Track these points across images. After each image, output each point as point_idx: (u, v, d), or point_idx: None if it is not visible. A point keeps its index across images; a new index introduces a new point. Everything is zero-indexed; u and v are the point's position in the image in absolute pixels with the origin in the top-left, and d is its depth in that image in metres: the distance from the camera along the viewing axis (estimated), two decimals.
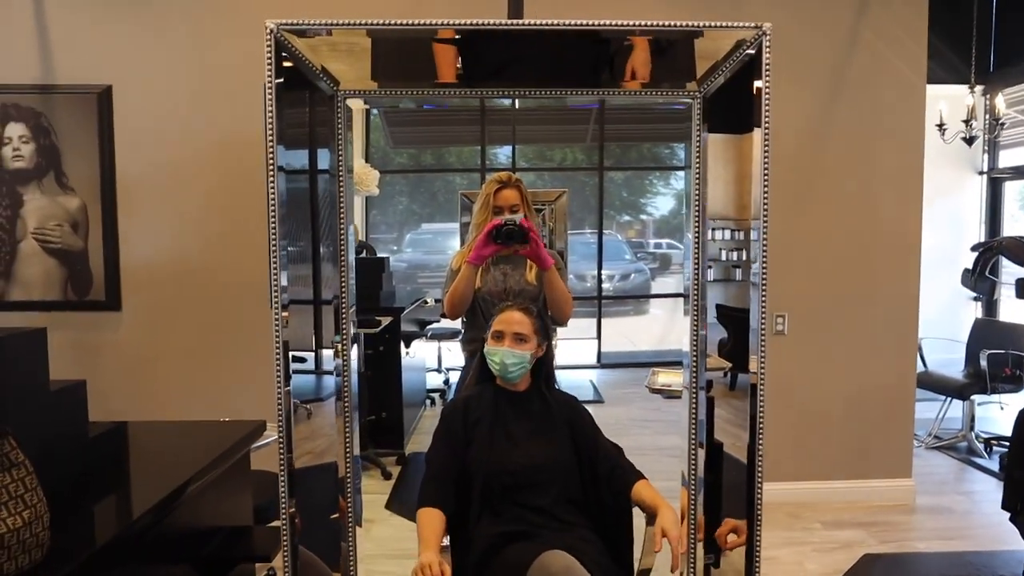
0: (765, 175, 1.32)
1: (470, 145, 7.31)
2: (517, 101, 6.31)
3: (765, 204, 1.33)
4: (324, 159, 1.53)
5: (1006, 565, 2.98)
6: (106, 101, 3.15)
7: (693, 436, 1.52)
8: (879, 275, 3.54)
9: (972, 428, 4.58)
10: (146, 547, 1.33)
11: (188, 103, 3.19)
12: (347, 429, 1.49)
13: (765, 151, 1.32)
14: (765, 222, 1.34)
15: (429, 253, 8.49)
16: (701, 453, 1.52)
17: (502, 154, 7.35)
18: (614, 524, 1.87)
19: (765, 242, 1.35)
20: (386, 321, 3.89)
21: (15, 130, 3.11)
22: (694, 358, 1.53)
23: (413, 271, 8.14)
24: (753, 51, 1.37)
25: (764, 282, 1.35)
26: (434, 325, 5.19)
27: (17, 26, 3.14)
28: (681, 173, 9.10)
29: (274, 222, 1.25)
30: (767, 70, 1.31)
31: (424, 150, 8.00)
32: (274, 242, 1.26)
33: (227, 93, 3.18)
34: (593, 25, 1.33)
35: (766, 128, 1.33)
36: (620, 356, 7.34)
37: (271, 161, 1.25)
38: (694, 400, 1.52)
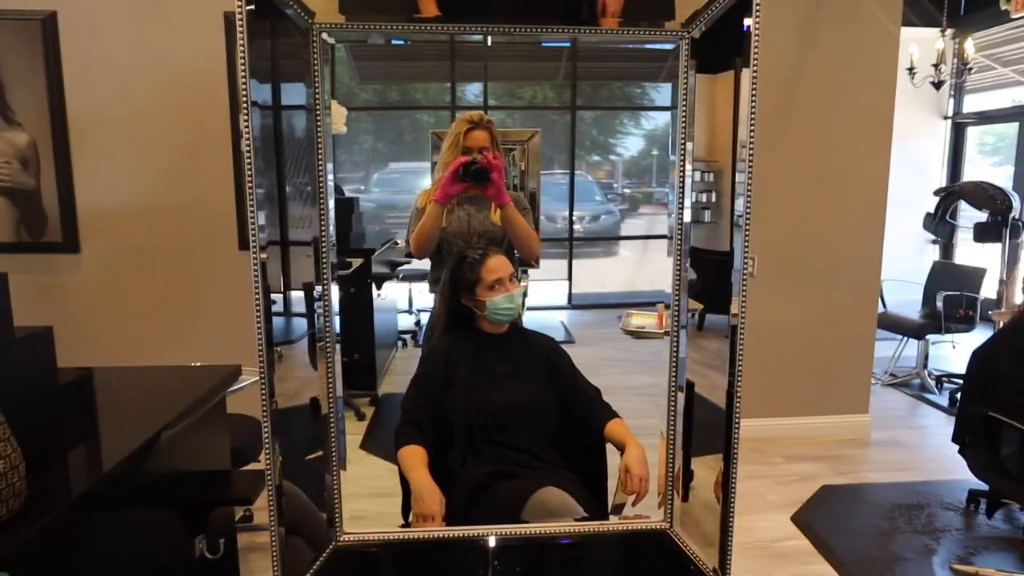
0: (752, 116, 1.31)
1: (439, 81, 7.12)
2: (490, 37, 6.16)
3: (751, 146, 1.32)
4: (291, 94, 1.47)
5: (951, 493, 3.13)
6: (51, 28, 2.95)
7: (674, 375, 1.54)
8: (845, 217, 3.59)
9: (925, 366, 4.76)
10: (124, 494, 1.32)
11: (142, 32, 3.02)
12: (329, 370, 1.48)
13: (753, 92, 1.30)
14: (751, 164, 1.33)
15: (397, 193, 8.36)
16: (681, 397, 1.54)
17: (471, 91, 7.18)
18: (590, 461, 1.91)
19: (751, 184, 1.34)
20: (357, 263, 3.84)
21: None
22: (676, 297, 1.53)
23: (381, 211, 8.03)
24: None
25: (748, 224, 1.35)
26: (405, 266, 5.15)
27: None
28: (652, 114, 9.04)
29: (250, 159, 1.19)
30: (758, 8, 1.29)
31: (390, 86, 7.78)
32: (250, 180, 1.20)
33: (183, 21, 3.02)
34: None
35: (755, 68, 1.31)
36: (590, 297, 7.40)
37: (245, 95, 1.19)
38: (675, 339, 1.53)
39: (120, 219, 3.14)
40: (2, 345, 1.28)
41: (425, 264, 2.51)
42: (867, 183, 3.57)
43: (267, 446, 1.34)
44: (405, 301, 5.92)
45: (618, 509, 1.80)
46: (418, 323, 5.88)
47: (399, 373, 4.64)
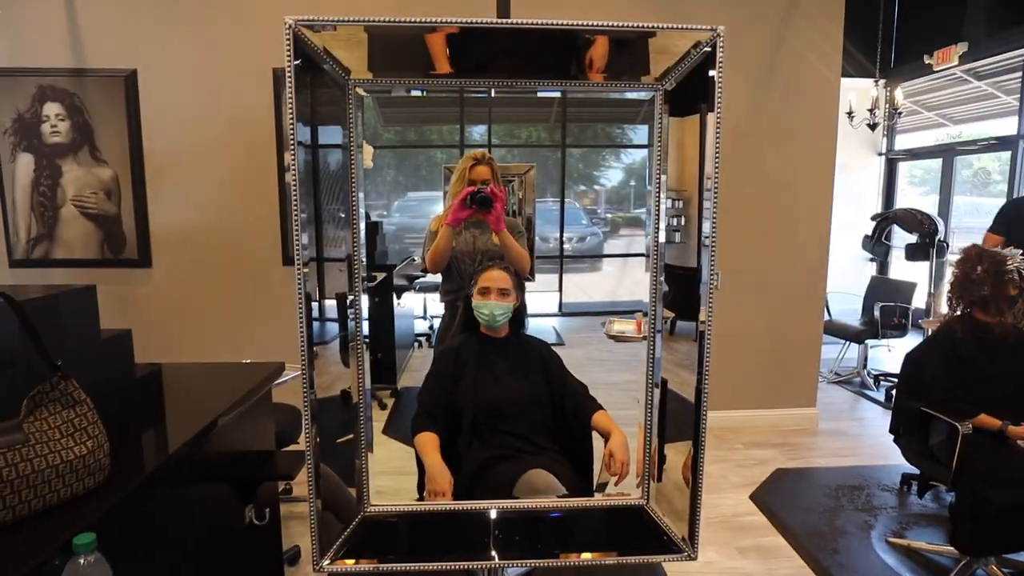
0: (717, 153, 1.33)
1: (450, 124, 7.16)
2: (493, 89, 6.16)
3: (716, 178, 1.34)
4: (327, 135, 1.49)
5: (887, 476, 3.12)
6: (132, 83, 3.03)
7: (651, 374, 1.54)
8: (796, 238, 3.60)
9: (865, 366, 4.75)
10: (188, 470, 1.34)
11: (205, 85, 3.09)
12: (359, 366, 1.49)
13: (717, 132, 1.33)
14: (715, 193, 1.35)
15: (414, 217, 8.34)
16: (656, 392, 1.55)
17: (477, 132, 7.20)
18: (578, 447, 1.92)
19: (715, 210, 1.36)
20: (381, 276, 3.86)
21: (52, 109, 2.99)
22: (653, 307, 1.54)
23: (401, 233, 8.00)
24: (709, 48, 1.37)
25: (713, 244, 1.37)
26: (421, 279, 5.15)
27: (50, 14, 2.99)
28: (631, 150, 9.05)
29: (295, 190, 1.22)
30: (720, 64, 1.32)
31: (409, 128, 7.82)
32: (295, 207, 1.23)
33: (238, 77, 3.09)
34: (570, 26, 1.31)
35: (719, 112, 1.33)
36: (578, 306, 7.35)
37: (292, 136, 1.22)
38: (652, 343, 1.54)
39: (185, 239, 3.18)
40: (91, 344, 1.30)
41: (437, 278, 2.54)
42: (814, 209, 3.58)
43: (306, 430, 1.36)
44: (420, 309, 5.91)
45: (602, 487, 1.81)
46: (431, 328, 5.86)
47: (415, 370, 4.62)
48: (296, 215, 1.27)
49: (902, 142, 6.69)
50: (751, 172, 3.50)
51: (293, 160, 1.25)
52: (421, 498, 1.84)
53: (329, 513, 1.50)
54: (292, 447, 2.17)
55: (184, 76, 3.07)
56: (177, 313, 3.21)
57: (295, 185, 1.26)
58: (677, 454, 1.59)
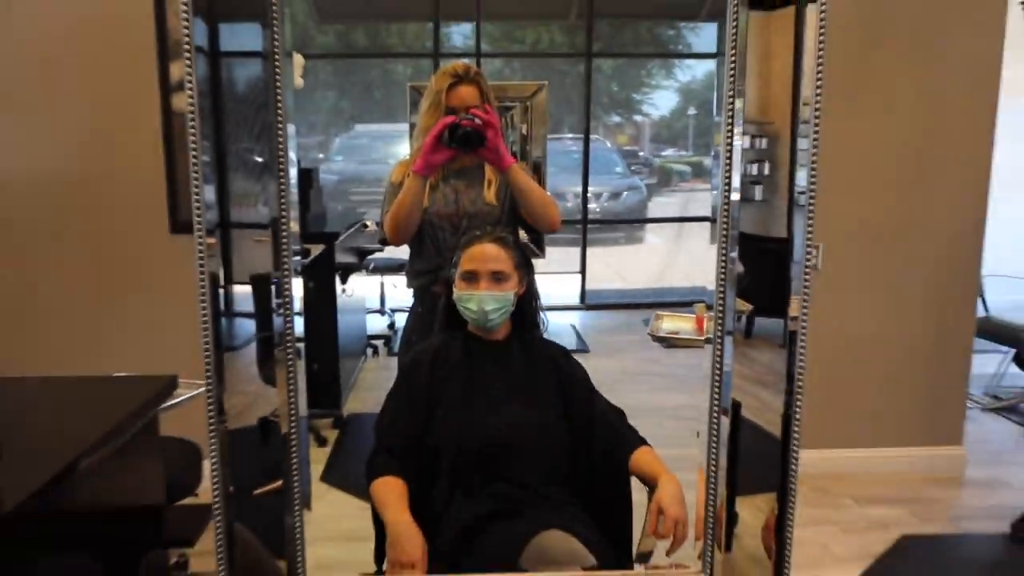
0: (820, 66, 1.33)
1: (418, 21, 7.14)
2: None
3: (818, 104, 1.34)
4: (236, 39, 1.48)
5: None
6: None
7: (717, 394, 1.55)
8: (937, 197, 3.56)
9: None
10: (34, 535, 1.34)
11: None
12: (291, 383, 1.49)
13: (822, 33, 1.32)
14: (817, 127, 1.35)
15: (366, 163, 8.37)
16: (725, 421, 1.55)
17: (458, 34, 7.19)
18: (610, 502, 1.95)
19: (816, 152, 1.36)
20: (317, 250, 3.88)
21: None
22: (721, 296, 1.54)
23: (345, 186, 8.05)
24: None
25: (812, 203, 1.38)
26: (377, 255, 5.20)
27: None
28: (689, 62, 9.03)
29: (193, 119, 1.23)
30: None
31: (356, 27, 7.79)
32: (195, 145, 1.24)
33: None
34: None
35: (823, 1, 1.33)
36: (609, 295, 7.43)
37: (186, 40, 1.22)
38: (719, 349, 1.54)
39: (18, 199, 3.17)
40: None
41: (402, 252, 2.56)
42: (966, 152, 3.54)
43: (213, 476, 1.37)
44: (376, 299, 5.96)
45: (645, 558, 1.83)
46: (392, 326, 5.93)
47: (368, 388, 4.68)
48: (195, 159, 1.27)
49: None
50: (873, 95, 3.47)
51: (190, 75, 1.25)
52: (382, 572, 1.87)
53: None
54: (190, 500, 2.17)
55: None
56: (12, 306, 3.22)
57: (192, 112, 1.27)
58: (755, 512, 1.60)
